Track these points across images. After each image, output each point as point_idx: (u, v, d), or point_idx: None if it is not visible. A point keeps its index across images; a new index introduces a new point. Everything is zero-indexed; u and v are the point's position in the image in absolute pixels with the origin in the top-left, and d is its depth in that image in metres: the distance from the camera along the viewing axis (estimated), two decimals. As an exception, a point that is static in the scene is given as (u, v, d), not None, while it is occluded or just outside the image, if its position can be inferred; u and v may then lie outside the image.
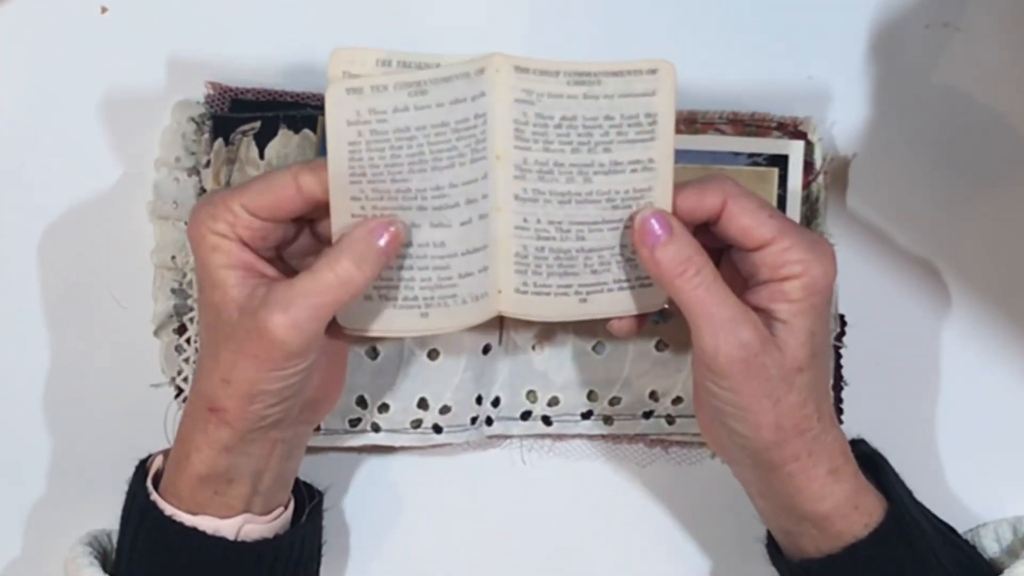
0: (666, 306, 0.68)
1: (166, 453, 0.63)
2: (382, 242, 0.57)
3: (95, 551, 0.64)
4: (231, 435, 0.59)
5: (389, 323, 0.60)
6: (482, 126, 0.58)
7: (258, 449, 0.61)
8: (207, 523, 0.61)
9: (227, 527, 0.61)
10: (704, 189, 0.59)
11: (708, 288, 0.58)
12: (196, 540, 0.61)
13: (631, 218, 0.59)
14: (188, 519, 0.60)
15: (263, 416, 0.59)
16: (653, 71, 0.57)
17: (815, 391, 0.59)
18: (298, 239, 0.61)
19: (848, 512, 0.61)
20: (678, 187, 0.60)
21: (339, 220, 0.58)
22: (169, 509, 0.60)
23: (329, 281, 0.56)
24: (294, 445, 0.63)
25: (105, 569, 0.62)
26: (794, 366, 0.58)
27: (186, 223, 0.68)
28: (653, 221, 0.58)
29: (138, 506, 0.62)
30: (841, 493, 0.60)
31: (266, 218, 0.57)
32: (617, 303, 0.62)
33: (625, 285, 0.62)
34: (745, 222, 0.58)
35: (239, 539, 0.61)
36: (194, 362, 0.68)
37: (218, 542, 0.61)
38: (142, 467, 0.64)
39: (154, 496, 0.61)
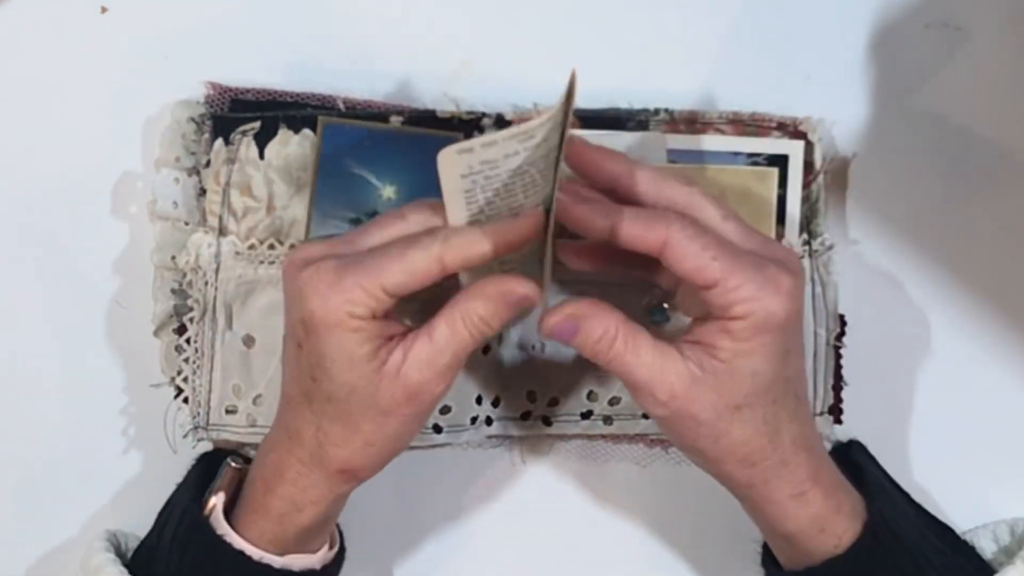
0: (666, 306, 0.68)
1: (225, 489, 0.63)
2: (513, 301, 0.58)
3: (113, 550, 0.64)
4: (355, 486, 0.61)
5: None
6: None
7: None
8: (299, 561, 0.62)
9: (317, 560, 0.63)
10: (649, 223, 0.57)
11: (622, 357, 0.57)
12: None
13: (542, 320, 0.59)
14: (277, 560, 0.62)
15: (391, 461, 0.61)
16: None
17: (766, 424, 0.58)
18: None
19: (814, 534, 0.60)
20: (639, 194, 0.58)
21: None
22: (267, 558, 0.61)
23: (465, 337, 0.57)
24: None
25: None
26: (731, 404, 0.57)
27: (186, 223, 0.68)
28: (560, 327, 0.58)
29: (217, 560, 0.61)
30: (805, 516, 0.60)
31: (406, 296, 0.57)
32: None
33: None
34: (687, 266, 0.56)
35: (325, 566, 0.64)
36: (194, 362, 0.68)
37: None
38: (196, 505, 0.63)
39: (241, 544, 0.61)
